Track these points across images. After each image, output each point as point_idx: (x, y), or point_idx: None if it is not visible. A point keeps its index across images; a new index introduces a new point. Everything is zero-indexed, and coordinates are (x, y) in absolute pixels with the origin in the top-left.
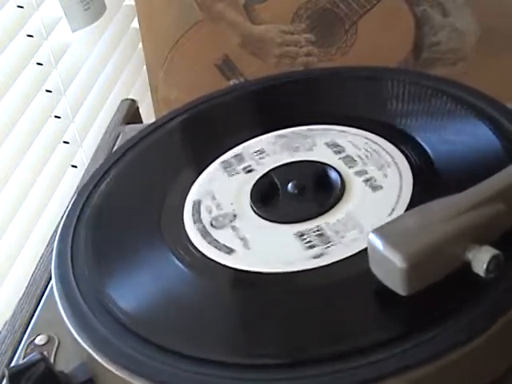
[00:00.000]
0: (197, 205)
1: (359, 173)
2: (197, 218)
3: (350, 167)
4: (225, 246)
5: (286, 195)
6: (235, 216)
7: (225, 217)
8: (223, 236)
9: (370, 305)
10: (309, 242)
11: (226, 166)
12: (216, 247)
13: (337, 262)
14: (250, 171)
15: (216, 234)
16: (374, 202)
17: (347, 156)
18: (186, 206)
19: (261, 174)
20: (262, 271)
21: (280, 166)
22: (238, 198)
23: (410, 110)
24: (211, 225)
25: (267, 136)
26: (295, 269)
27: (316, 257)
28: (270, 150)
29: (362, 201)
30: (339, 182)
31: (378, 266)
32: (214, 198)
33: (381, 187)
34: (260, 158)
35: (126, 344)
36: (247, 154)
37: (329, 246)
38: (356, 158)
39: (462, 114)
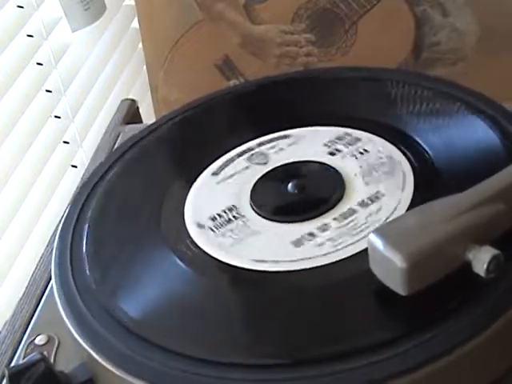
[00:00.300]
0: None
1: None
2: (242, 153)
3: (341, 221)
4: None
5: (281, 189)
6: (245, 169)
7: (237, 166)
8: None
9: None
10: (220, 223)
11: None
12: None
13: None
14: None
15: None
16: (279, 239)
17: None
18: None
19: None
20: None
21: (311, 162)
22: (267, 164)
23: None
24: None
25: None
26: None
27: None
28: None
29: (277, 235)
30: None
31: (378, 265)
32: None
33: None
34: (346, 145)
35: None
36: (345, 138)
37: (217, 235)
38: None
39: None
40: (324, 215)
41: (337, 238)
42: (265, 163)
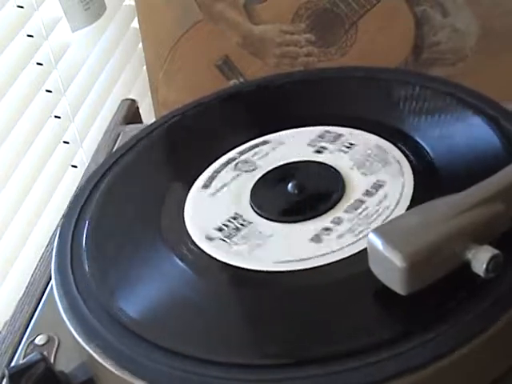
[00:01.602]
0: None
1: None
2: (226, 163)
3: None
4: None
5: (282, 191)
6: (235, 177)
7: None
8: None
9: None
10: (230, 233)
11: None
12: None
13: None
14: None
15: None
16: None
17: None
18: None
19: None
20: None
21: (305, 162)
22: (255, 170)
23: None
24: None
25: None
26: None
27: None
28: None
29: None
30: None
31: (378, 265)
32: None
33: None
34: (345, 145)
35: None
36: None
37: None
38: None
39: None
40: (333, 209)
41: (354, 228)
42: (253, 169)
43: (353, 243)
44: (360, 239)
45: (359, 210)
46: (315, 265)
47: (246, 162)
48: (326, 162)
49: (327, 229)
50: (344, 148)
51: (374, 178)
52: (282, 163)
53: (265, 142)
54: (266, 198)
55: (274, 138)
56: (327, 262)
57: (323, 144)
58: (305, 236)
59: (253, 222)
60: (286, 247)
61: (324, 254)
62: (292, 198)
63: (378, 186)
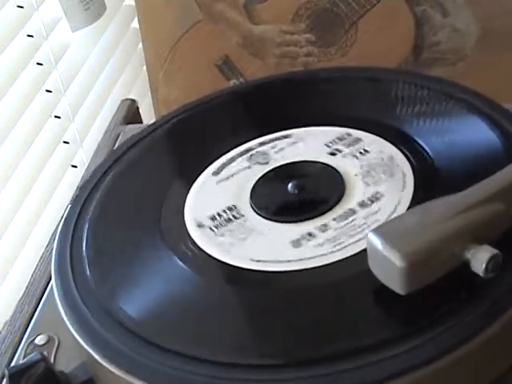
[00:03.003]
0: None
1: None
2: (243, 153)
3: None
4: None
5: (281, 189)
6: (245, 169)
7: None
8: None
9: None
10: (220, 223)
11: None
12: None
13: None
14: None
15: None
16: (279, 239)
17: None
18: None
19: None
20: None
21: (311, 162)
22: (267, 164)
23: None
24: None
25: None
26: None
27: None
28: None
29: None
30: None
31: (378, 265)
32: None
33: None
34: (347, 146)
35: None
36: (345, 139)
37: (216, 234)
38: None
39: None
40: (324, 215)
41: (336, 239)
42: (266, 163)
43: (327, 253)
44: (336, 251)
45: (347, 220)
46: (287, 268)
47: (262, 153)
48: (334, 166)
49: (310, 234)
50: (357, 154)
51: (375, 189)
52: (290, 161)
53: (286, 136)
54: (265, 194)
55: (295, 133)
56: (297, 268)
57: (339, 147)
58: (287, 238)
59: (245, 216)
60: (266, 246)
61: (297, 260)
62: (288, 198)
63: (375, 198)
